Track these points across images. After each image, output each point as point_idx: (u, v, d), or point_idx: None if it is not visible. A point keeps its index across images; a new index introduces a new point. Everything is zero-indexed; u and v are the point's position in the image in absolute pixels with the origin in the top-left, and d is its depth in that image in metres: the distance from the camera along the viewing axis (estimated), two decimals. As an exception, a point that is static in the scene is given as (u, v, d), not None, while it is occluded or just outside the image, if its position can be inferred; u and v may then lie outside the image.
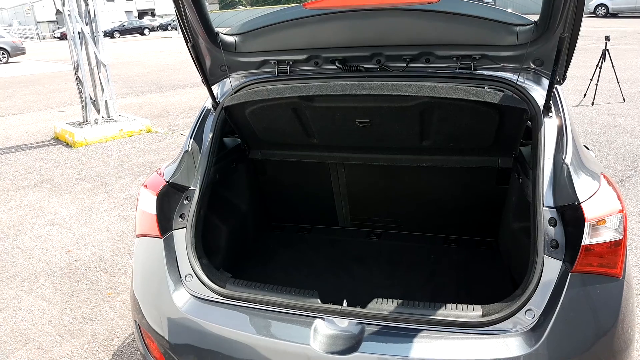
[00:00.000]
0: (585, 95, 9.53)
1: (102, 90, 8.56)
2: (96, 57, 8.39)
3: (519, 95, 2.30)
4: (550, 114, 2.23)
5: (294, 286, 2.17)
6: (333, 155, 2.99)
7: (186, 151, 2.52)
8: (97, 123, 8.50)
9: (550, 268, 1.85)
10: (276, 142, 2.99)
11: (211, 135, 2.61)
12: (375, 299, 2.02)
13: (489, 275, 2.82)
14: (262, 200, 3.47)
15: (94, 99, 8.59)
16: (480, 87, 2.31)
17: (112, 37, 41.65)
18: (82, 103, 8.50)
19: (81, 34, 8.20)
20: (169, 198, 2.39)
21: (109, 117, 8.79)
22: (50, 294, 3.82)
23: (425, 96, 2.21)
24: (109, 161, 7.14)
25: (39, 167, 6.97)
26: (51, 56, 26.31)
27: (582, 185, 1.92)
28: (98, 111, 8.60)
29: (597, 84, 9.22)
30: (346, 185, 3.23)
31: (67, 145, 8.10)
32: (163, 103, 11.44)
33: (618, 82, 9.34)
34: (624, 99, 9.28)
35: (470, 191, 3.01)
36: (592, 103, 9.15)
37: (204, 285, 2.16)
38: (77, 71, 8.26)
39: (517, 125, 2.38)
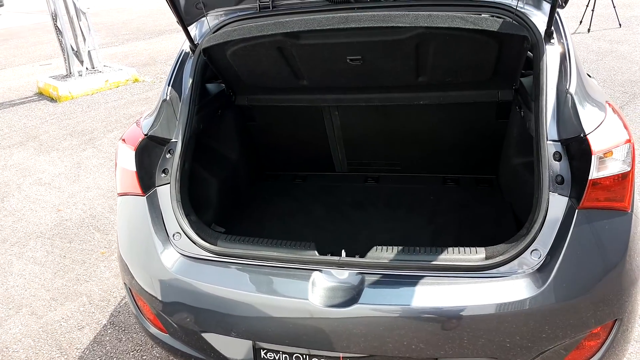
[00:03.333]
0: (581, 22, 9.22)
1: (84, 40, 8.14)
2: (74, 4, 7.93)
3: (519, 22, 2.12)
4: (552, 41, 2.07)
5: (291, 236, 2.08)
6: (325, 97, 2.77)
7: (164, 100, 2.30)
8: (81, 75, 8.14)
9: (556, 205, 1.75)
10: (263, 86, 2.76)
11: (191, 81, 2.38)
12: (375, 247, 1.94)
13: (490, 214, 2.71)
14: (253, 148, 3.28)
15: (76, 49, 8.18)
16: (477, 14, 2.12)
17: (94, -16, 39.93)
18: (64, 55, 8.11)
19: (55, -20, 7.70)
20: (149, 152, 2.19)
21: (93, 68, 8.42)
22: (42, 257, 3.68)
23: (419, 27, 2.01)
24: (96, 114, 6.87)
25: (23, 125, 6.71)
26: (31, 7, 25.26)
27: (588, 116, 1.80)
28: (81, 62, 8.22)
29: (593, 10, 8.91)
30: (341, 129, 3.03)
31: (52, 100, 7.79)
32: (150, 50, 11.00)
33: (614, 7, 9.00)
34: (620, 24, 9.00)
35: (469, 127, 2.86)
36: (589, 30, 8.85)
37: (194, 243, 2.03)
38: (56, 21, 7.83)
39: (518, 54, 2.20)
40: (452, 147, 2.99)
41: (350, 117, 2.96)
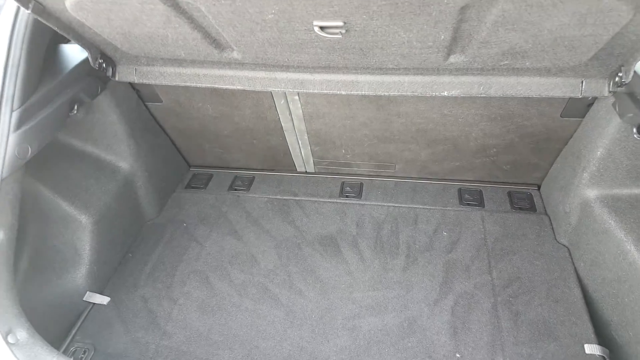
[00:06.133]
0: None
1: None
2: None
3: None
4: None
5: (215, 326, 1.46)
6: (275, 76, 1.66)
7: None
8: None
9: None
10: (158, 56, 1.61)
11: (4, 58, 1.33)
12: None
13: (541, 274, 1.79)
14: (161, 142, 2.19)
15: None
16: None
17: None
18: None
19: None
20: None
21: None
22: None
23: None
24: None
25: None
26: None
27: None
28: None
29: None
30: (304, 120, 1.95)
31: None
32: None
33: None
34: None
35: (512, 123, 1.85)
36: None
37: None
38: None
39: None
40: (478, 148, 1.99)
41: (319, 104, 1.89)
